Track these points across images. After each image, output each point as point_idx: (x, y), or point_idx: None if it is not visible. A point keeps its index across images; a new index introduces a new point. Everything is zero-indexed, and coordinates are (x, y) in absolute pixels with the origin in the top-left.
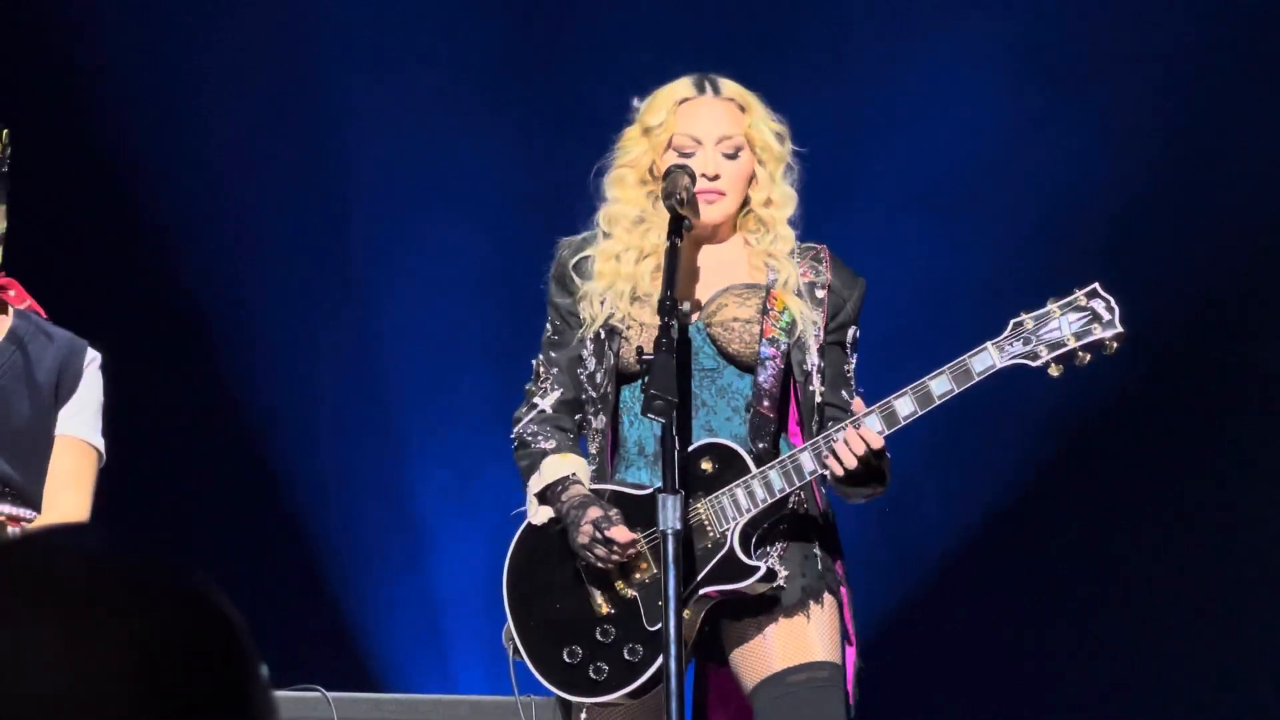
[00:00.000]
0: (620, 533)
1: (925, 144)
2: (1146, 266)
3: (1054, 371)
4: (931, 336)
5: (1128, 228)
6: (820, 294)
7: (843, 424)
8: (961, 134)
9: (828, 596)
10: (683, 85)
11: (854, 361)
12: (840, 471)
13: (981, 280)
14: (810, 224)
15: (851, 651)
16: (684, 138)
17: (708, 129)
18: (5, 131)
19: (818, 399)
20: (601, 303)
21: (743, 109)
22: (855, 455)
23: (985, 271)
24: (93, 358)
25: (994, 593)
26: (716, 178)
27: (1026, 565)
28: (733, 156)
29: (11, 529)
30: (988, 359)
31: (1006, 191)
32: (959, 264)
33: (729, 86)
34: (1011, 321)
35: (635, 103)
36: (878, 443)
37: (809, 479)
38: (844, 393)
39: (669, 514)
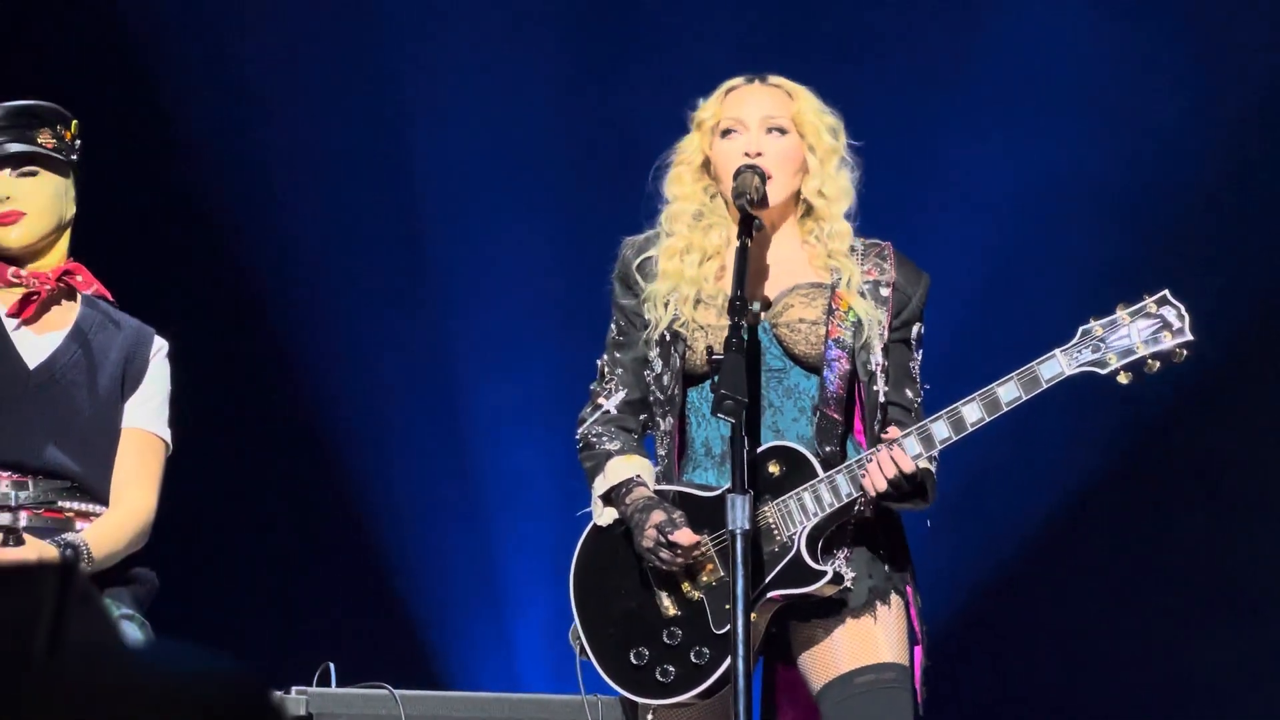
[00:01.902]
0: (684, 536)
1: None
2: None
3: (1123, 379)
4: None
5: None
6: (885, 292)
7: (885, 443)
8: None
9: (894, 597)
10: (733, 79)
11: (919, 358)
12: (872, 493)
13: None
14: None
15: (919, 651)
16: (730, 120)
17: (752, 111)
18: (75, 123)
19: (881, 398)
20: (665, 305)
21: (790, 96)
22: (886, 477)
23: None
24: (159, 346)
25: (1056, 595)
26: (760, 155)
27: (1088, 569)
28: (779, 134)
29: (79, 524)
30: (1056, 366)
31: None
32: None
33: (777, 78)
34: (1080, 328)
35: (701, 103)
36: (908, 465)
37: None
38: (908, 391)
39: (738, 513)
